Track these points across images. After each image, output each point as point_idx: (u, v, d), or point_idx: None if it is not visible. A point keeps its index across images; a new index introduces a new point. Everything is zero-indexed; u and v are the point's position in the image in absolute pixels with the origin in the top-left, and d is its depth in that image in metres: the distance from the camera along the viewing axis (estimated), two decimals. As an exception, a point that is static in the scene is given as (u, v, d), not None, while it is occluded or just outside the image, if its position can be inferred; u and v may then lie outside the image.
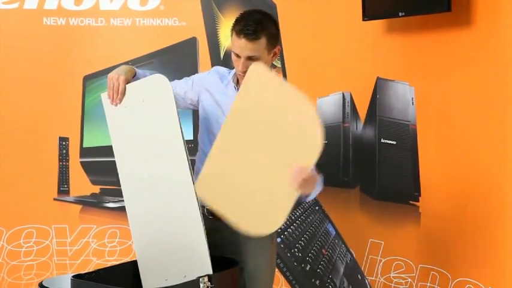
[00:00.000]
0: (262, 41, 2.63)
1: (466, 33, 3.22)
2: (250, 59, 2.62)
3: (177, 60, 4.21)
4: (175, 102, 2.62)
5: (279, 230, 3.97)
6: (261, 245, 2.77)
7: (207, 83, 2.86)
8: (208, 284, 2.49)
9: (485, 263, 3.20)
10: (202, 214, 2.65)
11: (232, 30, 2.67)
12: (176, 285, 2.48)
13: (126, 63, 4.23)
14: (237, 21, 2.67)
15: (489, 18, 3.13)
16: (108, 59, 4.25)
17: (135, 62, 4.24)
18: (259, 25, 2.62)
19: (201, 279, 2.47)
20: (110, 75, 2.73)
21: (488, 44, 3.13)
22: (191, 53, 4.18)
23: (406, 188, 3.59)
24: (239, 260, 2.73)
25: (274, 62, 4.03)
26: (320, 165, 2.62)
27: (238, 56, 2.66)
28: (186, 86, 2.91)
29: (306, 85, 3.98)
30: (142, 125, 2.70)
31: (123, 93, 2.71)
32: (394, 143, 3.66)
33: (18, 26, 4.20)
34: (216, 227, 2.70)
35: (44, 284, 3.18)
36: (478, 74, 3.19)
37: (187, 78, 2.94)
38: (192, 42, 4.18)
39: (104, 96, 2.76)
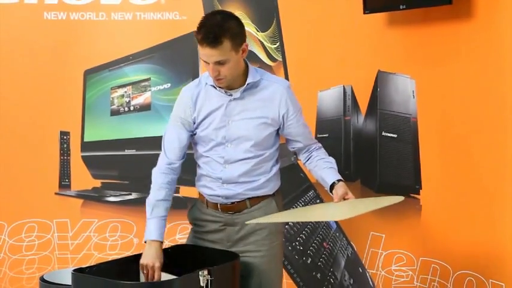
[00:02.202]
0: (226, 44, 2.60)
1: (467, 26, 3.21)
2: (219, 63, 2.63)
3: (177, 55, 4.21)
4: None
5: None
6: (275, 234, 2.87)
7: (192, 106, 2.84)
8: (208, 277, 2.49)
9: (486, 256, 3.20)
10: (216, 209, 2.83)
11: (195, 38, 2.67)
12: (176, 278, 2.49)
13: (127, 57, 4.24)
14: (198, 29, 2.65)
15: (490, 11, 3.12)
16: (109, 54, 4.26)
17: (135, 57, 4.24)
18: (219, 29, 2.59)
19: (200, 272, 2.48)
20: (143, 262, 2.73)
21: (489, 37, 3.12)
22: (192, 47, 4.18)
23: (407, 181, 3.59)
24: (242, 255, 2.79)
25: (275, 56, 4.08)
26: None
27: (207, 62, 2.66)
28: (178, 131, 2.88)
29: (306, 78, 4.02)
30: None
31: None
32: (395, 136, 3.66)
33: (19, 21, 4.20)
34: (233, 222, 2.85)
35: (45, 278, 3.18)
36: (479, 67, 3.19)
37: (172, 125, 2.91)
38: (192, 37, 4.13)
39: None
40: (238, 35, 2.65)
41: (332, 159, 2.95)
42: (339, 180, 2.87)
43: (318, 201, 4.03)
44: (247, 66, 2.79)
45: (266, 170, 2.85)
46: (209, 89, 2.82)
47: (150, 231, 2.80)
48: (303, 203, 4.05)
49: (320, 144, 3.00)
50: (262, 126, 2.80)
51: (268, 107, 2.79)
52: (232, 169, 2.82)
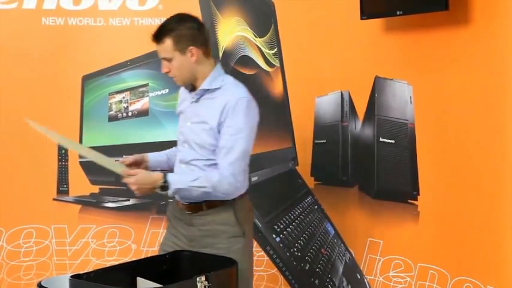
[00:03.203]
0: (167, 43, 2.83)
1: (464, 31, 3.22)
2: (166, 60, 2.86)
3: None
4: None
5: (278, 230, 3.98)
6: (234, 238, 2.89)
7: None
8: (206, 283, 2.49)
9: (484, 262, 3.20)
10: (179, 209, 2.93)
11: None
12: (173, 284, 2.49)
13: (125, 63, 4.24)
14: None
15: (486, 17, 3.12)
16: (107, 59, 4.26)
17: (133, 62, 4.25)
18: (163, 28, 2.85)
19: (198, 279, 2.47)
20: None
21: (486, 43, 3.13)
22: (190, 52, 4.18)
23: (405, 187, 3.59)
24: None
25: (272, 61, 4.09)
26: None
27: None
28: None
29: (304, 84, 4.02)
30: None
31: None
32: (393, 142, 3.66)
33: (17, 26, 4.21)
34: (191, 221, 2.92)
35: (42, 284, 3.17)
36: (476, 73, 3.19)
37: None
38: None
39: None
40: (184, 37, 2.83)
41: (200, 175, 2.85)
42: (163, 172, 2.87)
43: (316, 207, 4.03)
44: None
45: None
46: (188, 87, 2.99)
47: None
48: (301, 209, 4.05)
49: (225, 174, 2.83)
50: (209, 132, 2.86)
51: (214, 115, 2.84)
52: (185, 170, 2.94)
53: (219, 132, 2.84)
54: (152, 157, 3.12)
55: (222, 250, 2.85)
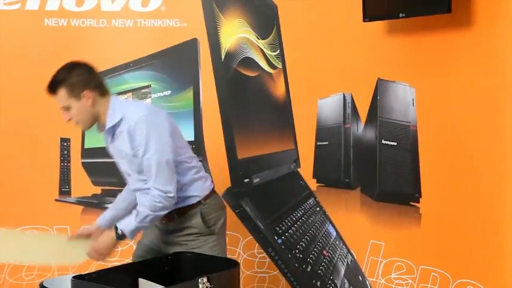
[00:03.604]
0: (62, 93, 2.96)
1: (466, 34, 3.22)
2: (65, 109, 2.97)
3: (178, 62, 4.22)
4: None
5: (280, 231, 3.98)
6: (205, 237, 3.03)
7: None
8: (208, 284, 2.49)
9: (486, 264, 3.20)
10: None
11: None
12: (175, 286, 2.49)
13: (128, 64, 4.25)
14: None
15: (489, 20, 3.13)
16: (110, 60, 4.26)
17: (136, 63, 4.25)
18: (55, 80, 2.98)
19: (199, 280, 2.48)
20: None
21: (488, 45, 3.13)
22: (192, 54, 4.19)
23: (407, 189, 3.59)
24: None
25: (275, 63, 4.09)
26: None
27: None
28: None
29: (306, 86, 4.03)
30: None
31: None
32: (395, 144, 3.66)
33: (20, 27, 4.21)
34: (166, 228, 3.10)
35: (44, 284, 3.18)
36: (478, 75, 3.19)
37: None
38: (193, 43, 4.18)
39: None
40: (76, 83, 2.95)
41: (137, 208, 3.00)
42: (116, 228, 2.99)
43: (318, 208, 4.03)
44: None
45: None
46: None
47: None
48: (303, 211, 4.05)
49: (153, 193, 2.94)
50: (131, 162, 2.99)
51: (126, 146, 2.96)
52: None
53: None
54: (103, 220, 3.22)
55: (190, 246, 3.01)
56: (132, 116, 2.94)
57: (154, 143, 2.90)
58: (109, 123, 2.98)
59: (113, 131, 2.99)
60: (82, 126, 3.07)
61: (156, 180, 2.91)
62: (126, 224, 2.96)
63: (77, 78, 2.97)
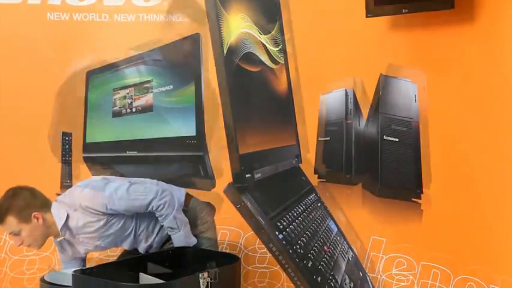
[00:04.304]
0: (10, 220, 3.12)
1: (469, 30, 3.21)
2: (15, 235, 3.14)
3: (180, 56, 4.21)
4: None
5: (281, 227, 3.98)
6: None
7: None
8: (208, 279, 2.49)
9: (487, 261, 3.20)
10: None
11: None
12: (176, 280, 2.49)
13: (130, 59, 4.25)
14: None
15: (492, 16, 3.12)
16: (112, 55, 4.25)
17: (138, 58, 4.24)
18: (1, 211, 3.11)
19: (200, 275, 2.48)
20: None
21: (492, 41, 3.12)
22: (194, 49, 4.18)
23: (408, 185, 3.59)
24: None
25: (277, 58, 4.08)
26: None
27: None
28: None
29: (308, 81, 4.02)
30: None
31: None
32: (397, 140, 3.66)
33: (22, 21, 4.21)
34: None
35: (45, 278, 3.19)
36: (481, 71, 3.18)
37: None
38: (195, 38, 4.18)
39: None
40: (24, 208, 3.14)
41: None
42: None
43: (319, 204, 4.03)
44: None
45: None
46: None
47: None
48: (304, 206, 4.05)
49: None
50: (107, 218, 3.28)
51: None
52: None
53: None
54: None
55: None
56: (74, 202, 3.23)
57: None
58: (60, 224, 3.18)
59: (65, 230, 3.21)
60: (35, 247, 3.23)
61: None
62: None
63: (21, 202, 3.13)
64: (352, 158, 3.90)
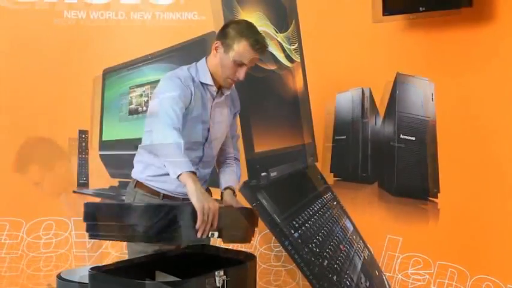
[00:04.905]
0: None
1: (487, 28, 3.19)
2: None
3: (195, 55, 4.19)
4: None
5: (296, 225, 3.98)
6: None
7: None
8: (224, 277, 2.49)
9: (505, 260, 3.18)
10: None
11: (240, 39, 2.88)
12: (192, 279, 2.49)
13: (146, 57, 4.25)
14: (250, 33, 2.90)
15: (510, 14, 3.10)
16: (128, 53, 4.27)
17: (154, 56, 4.25)
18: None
19: (216, 273, 2.48)
20: (204, 205, 2.53)
21: (510, 40, 3.10)
22: (210, 47, 4.17)
23: (425, 184, 3.57)
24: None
25: (293, 57, 4.08)
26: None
27: (244, 64, 2.89)
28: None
29: (325, 80, 4.01)
30: None
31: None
32: (414, 139, 3.64)
33: (39, 19, 4.22)
34: None
35: (62, 275, 3.20)
36: (499, 70, 3.16)
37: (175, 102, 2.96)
38: (211, 37, 4.17)
39: None
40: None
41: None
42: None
43: (335, 203, 4.02)
44: None
45: None
46: (199, 87, 2.99)
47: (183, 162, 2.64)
48: (320, 205, 4.04)
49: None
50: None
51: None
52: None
53: None
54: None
55: None
56: None
57: None
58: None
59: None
60: None
61: None
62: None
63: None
64: (368, 156, 3.89)
